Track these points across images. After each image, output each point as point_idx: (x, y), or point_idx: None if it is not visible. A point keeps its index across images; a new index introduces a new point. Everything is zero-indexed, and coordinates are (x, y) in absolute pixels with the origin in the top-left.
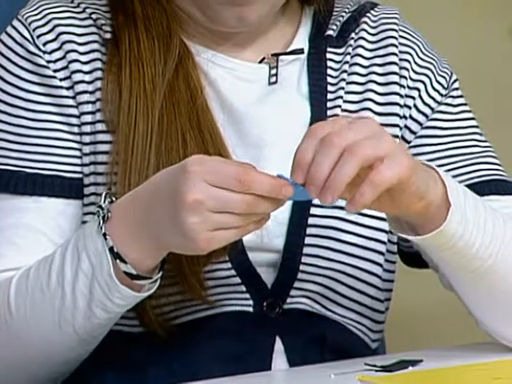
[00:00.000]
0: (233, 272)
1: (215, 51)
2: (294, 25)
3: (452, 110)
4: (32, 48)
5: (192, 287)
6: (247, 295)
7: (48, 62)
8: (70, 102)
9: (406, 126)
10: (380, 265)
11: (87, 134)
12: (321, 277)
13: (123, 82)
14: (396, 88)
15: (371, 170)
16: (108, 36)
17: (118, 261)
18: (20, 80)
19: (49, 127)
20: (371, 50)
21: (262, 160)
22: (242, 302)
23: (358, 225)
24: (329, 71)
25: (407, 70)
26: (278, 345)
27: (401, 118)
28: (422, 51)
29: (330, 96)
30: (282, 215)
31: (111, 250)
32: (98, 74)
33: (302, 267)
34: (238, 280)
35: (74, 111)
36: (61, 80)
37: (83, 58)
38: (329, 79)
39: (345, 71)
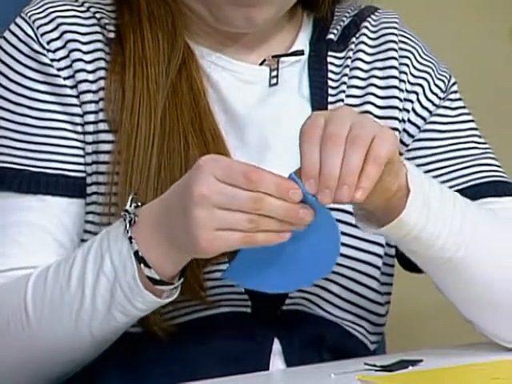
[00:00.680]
0: None
1: (220, 53)
2: (295, 29)
3: (450, 113)
4: (36, 46)
5: (191, 288)
6: (246, 296)
7: (52, 60)
8: (74, 100)
9: (404, 130)
10: (378, 267)
11: (90, 133)
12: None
13: (127, 81)
14: (396, 92)
15: (369, 151)
16: (112, 35)
17: (142, 265)
18: (24, 78)
19: (53, 126)
20: (371, 54)
21: (263, 162)
22: (241, 303)
23: (355, 227)
24: (330, 74)
25: (406, 73)
26: (276, 345)
27: (400, 121)
28: (420, 55)
29: (330, 99)
30: None
31: (136, 254)
32: (102, 73)
33: None
34: None
35: (78, 110)
36: (65, 79)
37: (87, 57)
38: (330, 82)
39: (345, 74)
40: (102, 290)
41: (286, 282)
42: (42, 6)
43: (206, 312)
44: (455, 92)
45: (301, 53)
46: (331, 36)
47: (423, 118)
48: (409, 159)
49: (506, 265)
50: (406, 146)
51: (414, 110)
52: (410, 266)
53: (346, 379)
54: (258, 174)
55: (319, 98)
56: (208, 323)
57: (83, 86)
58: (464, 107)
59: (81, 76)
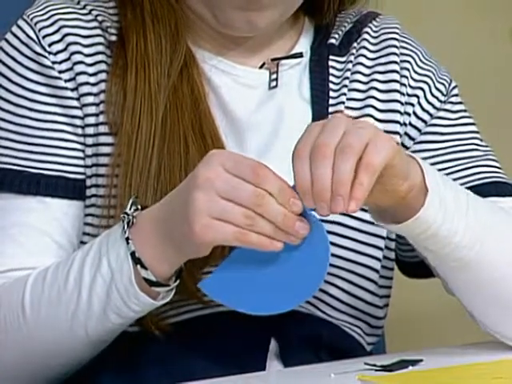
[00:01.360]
0: None
1: (221, 57)
2: (296, 34)
3: (451, 116)
4: (37, 48)
5: (188, 288)
6: None
7: (53, 62)
8: (75, 103)
9: (405, 133)
10: (376, 271)
11: (90, 135)
12: None
13: (128, 81)
14: (397, 95)
15: (361, 159)
16: (113, 38)
17: (138, 266)
18: (25, 80)
19: (53, 128)
20: (373, 59)
21: None
22: None
23: (354, 230)
24: (331, 78)
25: (407, 77)
26: (273, 346)
27: (401, 125)
28: (420, 59)
29: (331, 101)
30: None
31: (132, 254)
32: (103, 76)
33: None
34: None
35: (78, 112)
36: (66, 81)
37: (88, 60)
38: (331, 85)
39: (347, 78)
40: (99, 291)
41: (266, 304)
42: (44, 8)
43: (203, 311)
44: (456, 95)
45: (300, 55)
46: (332, 41)
47: (424, 121)
48: None
49: None
50: (408, 148)
51: (415, 113)
52: (408, 271)
53: (345, 379)
54: (265, 171)
55: (320, 101)
56: (205, 323)
57: (84, 89)
58: (465, 110)
59: (82, 78)
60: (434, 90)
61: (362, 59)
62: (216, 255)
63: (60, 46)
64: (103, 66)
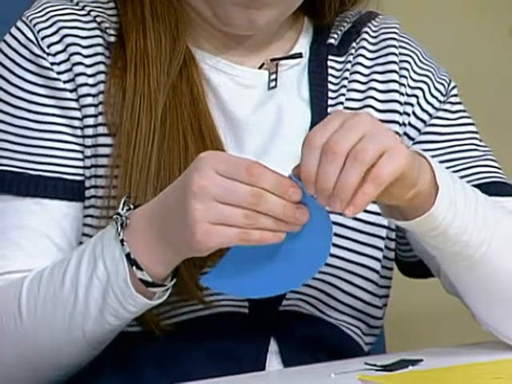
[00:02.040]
0: None
1: (220, 57)
2: (295, 34)
3: (450, 116)
4: (36, 50)
5: (188, 288)
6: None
7: (52, 64)
8: (74, 104)
9: (405, 133)
10: (376, 271)
11: (89, 136)
12: (317, 281)
13: (128, 79)
14: (396, 95)
15: (372, 168)
16: (112, 39)
17: (134, 267)
18: (24, 82)
19: (52, 129)
20: (372, 59)
21: None
22: (238, 303)
23: (354, 230)
24: (330, 78)
25: (406, 77)
26: (273, 346)
27: (400, 125)
28: (420, 59)
29: (330, 102)
30: None
31: (128, 256)
32: (102, 77)
33: None
34: None
35: (77, 114)
36: (64, 82)
37: (87, 61)
38: (330, 85)
39: (345, 78)
40: (95, 293)
41: (271, 285)
42: (43, 9)
43: (204, 312)
44: (455, 95)
45: (299, 55)
46: (331, 41)
47: (423, 121)
48: None
49: None
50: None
51: (414, 113)
52: (407, 271)
53: (345, 379)
54: (259, 169)
55: (319, 101)
56: (205, 323)
57: (83, 90)
58: (464, 111)
59: (81, 80)
60: (433, 90)
61: (360, 59)
62: (215, 253)
63: (59, 47)
64: (102, 67)
